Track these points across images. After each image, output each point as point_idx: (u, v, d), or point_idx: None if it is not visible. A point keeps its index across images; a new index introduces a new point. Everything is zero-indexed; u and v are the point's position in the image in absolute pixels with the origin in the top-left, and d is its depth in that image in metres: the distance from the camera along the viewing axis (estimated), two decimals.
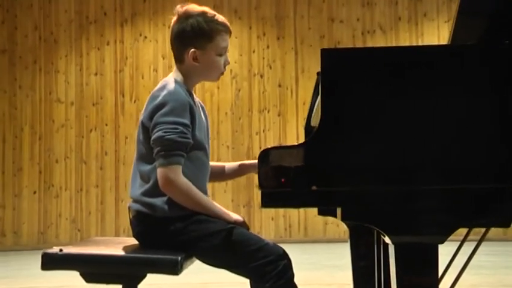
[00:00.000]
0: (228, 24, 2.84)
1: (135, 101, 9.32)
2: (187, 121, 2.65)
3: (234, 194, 9.24)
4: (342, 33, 9.57)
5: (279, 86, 9.52)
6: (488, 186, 2.09)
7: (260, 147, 9.28)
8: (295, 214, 9.20)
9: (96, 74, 9.44)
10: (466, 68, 2.11)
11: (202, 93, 9.41)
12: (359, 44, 9.46)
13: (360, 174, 2.09)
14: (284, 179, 2.10)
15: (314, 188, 2.09)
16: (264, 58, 9.58)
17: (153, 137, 2.64)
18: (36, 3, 9.44)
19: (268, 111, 9.50)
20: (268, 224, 9.32)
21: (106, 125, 9.38)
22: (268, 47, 9.59)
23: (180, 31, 2.80)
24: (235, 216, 2.71)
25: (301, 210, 9.01)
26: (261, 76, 9.56)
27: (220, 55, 2.81)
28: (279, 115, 9.48)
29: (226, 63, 2.85)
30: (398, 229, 2.09)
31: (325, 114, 2.10)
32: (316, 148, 2.09)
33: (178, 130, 2.61)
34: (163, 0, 9.38)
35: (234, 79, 9.52)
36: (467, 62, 2.12)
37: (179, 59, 2.84)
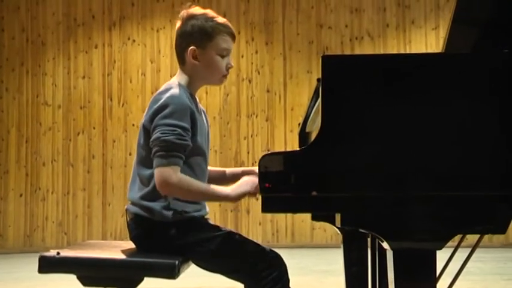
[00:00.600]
0: (231, 26, 2.84)
1: (123, 105, 9.31)
2: (186, 125, 2.63)
3: None
4: (330, 39, 9.60)
5: (267, 91, 9.54)
6: (486, 193, 2.12)
7: (248, 152, 9.30)
8: (282, 219, 9.21)
9: (84, 77, 9.42)
10: (463, 76, 2.13)
11: None
12: (347, 50, 9.50)
13: (360, 180, 2.10)
14: (284, 185, 2.12)
15: (314, 193, 2.11)
16: (252, 63, 9.59)
17: (151, 139, 2.64)
18: (23, 5, 9.41)
19: (257, 116, 9.51)
20: (255, 229, 9.33)
21: (93, 128, 9.36)
22: (256, 52, 9.60)
23: (182, 32, 2.81)
24: (242, 189, 2.60)
25: (289, 215, 9.02)
26: (250, 81, 9.58)
27: (222, 56, 2.79)
28: (267, 120, 9.49)
29: (229, 66, 2.83)
30: (396, 235, 2.11)
31: (326, 121, 2.12)
32: (317, 154, 2.11)
33: (176, 132, 2.60)
34: (151, 4, 9.37)
35: (223, 84, 9.51)
36: (465, 69, 2.14)
37: (181, 60, 2.82)
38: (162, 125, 2.62)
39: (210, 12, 2.83)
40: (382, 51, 9.45)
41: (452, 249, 3.08)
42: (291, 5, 9.64)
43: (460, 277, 6.18)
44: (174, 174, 2.58)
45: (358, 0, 9.62)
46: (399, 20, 9.59)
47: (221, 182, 3.08)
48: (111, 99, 9.40)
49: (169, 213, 2.67)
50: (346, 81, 2.13)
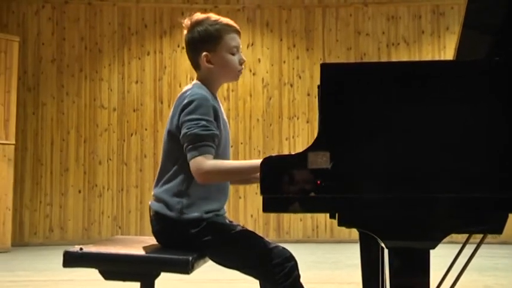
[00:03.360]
0: (234, 24, 2.82)
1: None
2: (210, 118, 2.63)
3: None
4: (367, 45, 9.51)
5: (308, 94, 9.50)
6: (481, 195, 2.05)
7: (290, 152, 9.26)
8: (322, 215, 9.14)
9: (136, 82, 9.51)
10: (457, 83, 2.07)
11: (236, 100, 9.43)
12: (384, 56, 9.40)
13: (356, 181, 2.06)
14: (284, 186, 2.09)
15: (312, 194, 2.07)
16: (293, 68, 9.56)
17: (180, 136, 2.64)
18: (82, 16, 9.54)
19: (298, 118, 9.48)
20: (296, 225, 9.30)
21: (145, 129, 9.44)
22: (298, 58, 9.57)
23: (190, 40, 2.81)
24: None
25: None
26: (291, 85, 9.55)
27: (233, 54, 2.78)
28: (307, 122, 9.45)
29: (242, 61, 2.81)
30: (391, 234, 2.07)
31: (323, 125, 2.09)
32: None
33: (200, 124, 2.59)
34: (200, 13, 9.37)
35: (266, 88, 9.52)
36: (458, 76, 2.08)
37: (196, 66, 2.82)
38: (187, 120, 2.62)
39: (212, 16, 2.83)
40: (417, 57, 9.34)
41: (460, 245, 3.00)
42: (331, 14, 9.58)
43: (488, 272, 6.09)
44: (206, 161, 2.56)
45: (395, 8, 9.51)
46: (434, 27, 9.45)
47: (248, 181, 3.08)
48: (161, 102, 9.47)
49: (188, 211, 2.66)
50: (343, 87, 2.10)
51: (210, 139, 2.60)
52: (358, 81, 2.09)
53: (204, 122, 2.61)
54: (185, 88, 2.78)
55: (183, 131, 2.62)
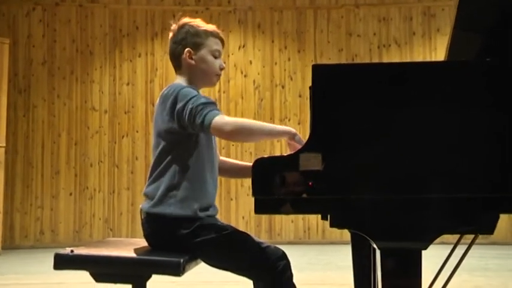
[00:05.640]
0: (220, 33, 2.91)
1: None
2: (204, 97, 2.66)
3: None
4: (359, 47, 9.53)
5: (299, 96, 9.50)
6: (472, 195, 2.06)
7: (281, 154, 9.24)
8: (313, 217, 9.14)
9: (128, 84, 9.49)
10: (446, 84, 2.08)
11: (227, 102, 9.42)
12: (375, 58, 9.42)
13: (347, 182, 2.07)
14: (277, 187, 2.09)
15: (305, 196, 2.07)
16: (285, 70, 9.56)
17: (185, 121, 2.61)
18: (73, 18, 9.50)
19: (289, 120, 9.48)
20: (288, 226, 9.30)
21: (137, 131, 9.42)
22: (289, 59, 9.57)
23: (176, 39, 2.88)
24: (284, 128, 2.71)
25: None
26: (283, 87, 9.55)
27: (215, 57, 2.85)
28: (299, 123, 9.45)
29: (222, 66, 2.88)
30: (383, 235, 2.07)
31: (315, 126, 2.09)
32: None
33: (200, 98, 2.64)
34: (191, 16, 9.32)
35: (257, 89, 9.52)
36: (452, 77, 2.09)
37: (178, 64, 2.88)
38: (186, 102, 2.62)
39: (199, 21, 2.91)
40: (408, 59, 9.35)
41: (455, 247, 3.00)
42: (322, 15, 9.59)
43: (478, 273, 6.09)
44: (224, 118, 2.57)
45: (386, 9, 9.53)
46: (425, 28, 9.48)
47: (234, 173, 3.12)
48: (153, 105, 9.44)
49: (179, 206, 2.66)
50: (334, 88, 2.10)
51: (212, 104, 2.63)
52: (350, 82, 2.09)
53: (202, 98, 2.64)
54: (164, 89, 2.80)
55: (187, 111, 2.61)
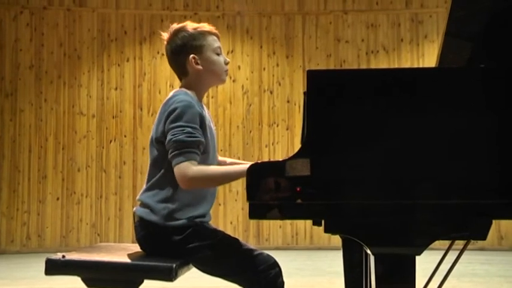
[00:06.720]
0: (213, 28, 2.87)
1: (152, 114, 9.33)
2: (195, 125, 2.63)
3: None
4: (347, 52, 9.56)
5: (288, 101, 9.51)
6: (465, 201, 2.06)
7: (269, 159, 9.26)
8: (301, 222, 9.15)
9: (116, 89, 9.47)
10: (440, 90, 2.08)
11: (215, 107, 9.42)
12: (363, 64, 9.45)
13: (342, 188, 2.06)
14: (271, 193, 2.08)
15: (299, 201, 2.07)
16: (273, 75, 9.58)
17: (166, 143, 2.63)
18: (61, 22, 9.47)
19: (277, 125, 9.49)
20: (276, 232, 9.30)
21: (125, 136, 9.39)
22: (277, 65, 9.59)
23: (174, 48, 2.82)
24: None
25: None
26: (271, 92, 9.56)
27: (218, 54, 2.82)
28: (287, 129, 9.46)
29: (226, 61, 2.85)
30: (377, 241, 2.07)
31: (309, 132, 2.09)
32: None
33: (185, 131, 2.59)
34: (180, 20, 9.33)
35: (246, 94, 9.53)
36: (446, 83, 2.10)
37: (183, 73, 2.83)
38: (172, 128, 2.61)
39: (189, 23, 2.86)
40: (396, 65, 9.40)
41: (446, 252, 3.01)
42: (311, 21, 9.62)
43: (466, 278, 6.10)
44: (191, 167, 2.56)
45: (374, 16, 9.57)
46: (413, 35, 9.52)
47: None
48: (141, 109, 9.43)
49: (173, 217, 2.65)
50: (328, 94, 2.10)
51: (195, 145, 2.60)
52: (344, 87, 2.09)
53: (189, 129, 2.60)
54: (171, 94, 2.77)
55: (168, 137, 2.61)
